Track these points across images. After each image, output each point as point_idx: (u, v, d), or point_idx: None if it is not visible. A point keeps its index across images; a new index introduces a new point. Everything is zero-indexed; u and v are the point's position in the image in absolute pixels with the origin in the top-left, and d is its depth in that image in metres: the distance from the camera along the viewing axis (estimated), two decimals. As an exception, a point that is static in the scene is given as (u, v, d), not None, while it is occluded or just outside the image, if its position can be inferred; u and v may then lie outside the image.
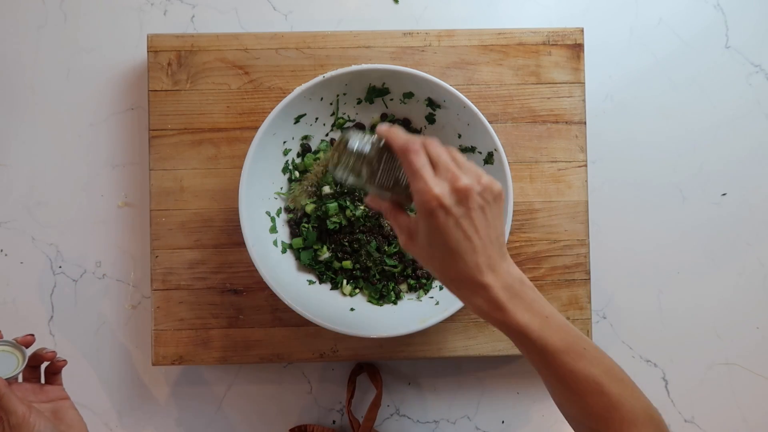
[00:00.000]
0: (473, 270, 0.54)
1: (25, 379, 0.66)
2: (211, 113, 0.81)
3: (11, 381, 0.63)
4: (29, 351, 0.65)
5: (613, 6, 0.89)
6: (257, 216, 0.77)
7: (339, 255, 0.79)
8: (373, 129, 0.82)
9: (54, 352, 0.65)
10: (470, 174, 0.54)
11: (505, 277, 0.55)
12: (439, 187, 0.53)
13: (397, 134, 0.56)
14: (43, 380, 0.67)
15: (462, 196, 0.53)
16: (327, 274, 0.80)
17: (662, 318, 0.87)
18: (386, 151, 0.58)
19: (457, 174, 0.54)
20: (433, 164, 0.55)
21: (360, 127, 0.81)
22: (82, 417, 0.66)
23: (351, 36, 0.82)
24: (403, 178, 0.59)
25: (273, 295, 0.73)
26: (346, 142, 0.59)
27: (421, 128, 0.82)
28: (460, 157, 0.56)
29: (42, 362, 0.66)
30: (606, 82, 0.88)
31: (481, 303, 0.55)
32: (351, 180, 0.60)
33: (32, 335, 0.65)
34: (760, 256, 0.88)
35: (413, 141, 0.55)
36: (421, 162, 0.54)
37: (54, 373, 0.67)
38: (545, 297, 0.80)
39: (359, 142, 0.59)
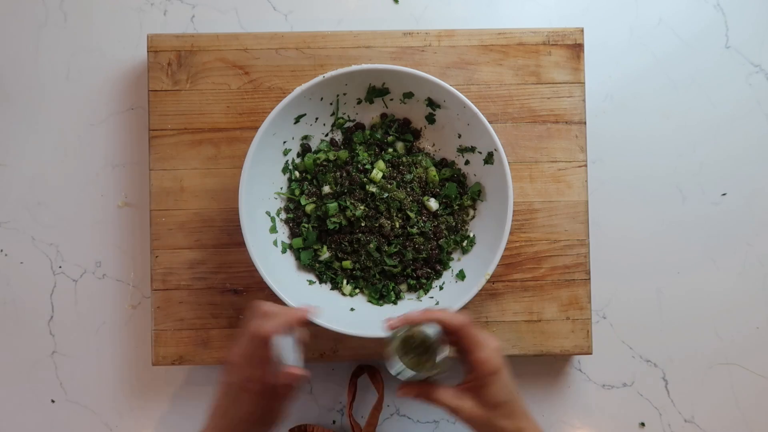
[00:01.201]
0: (527, 410, 0.64)
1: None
2: (211, 113, 0.81)
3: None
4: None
5: (613, 6, 0.89)
6: (257, 216, 0.77)
7: (339, 255, 0.79)
8: (367, 129, 0.82)
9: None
10: None
11: (535, 422, 0.64)
12: (496, 343, 0.62)
13: (449, 315, 0.62)
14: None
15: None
16: (327, 274, 0.80)
17: (662, 318, 0.87)
18: (439, 336, 0.63)
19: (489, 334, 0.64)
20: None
21: (359, 127, 0.81)
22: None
23: (351, 36, 0.82)
24: (433, 358, 0.63)
25: (273, 295, 0.73)
26: (422, 338, 0.63)
27: (421, 128, 0.82)
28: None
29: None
30: (606, 81, 0.88)
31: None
32: (408, 373, 0.63)
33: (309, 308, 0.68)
34: (760, 255, 0.88)
35: (461, 316, 0.62)
36: (479, 330, 0.62)
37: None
38: (545, 297, 0.81)
39: (431, 333, 0.63)
